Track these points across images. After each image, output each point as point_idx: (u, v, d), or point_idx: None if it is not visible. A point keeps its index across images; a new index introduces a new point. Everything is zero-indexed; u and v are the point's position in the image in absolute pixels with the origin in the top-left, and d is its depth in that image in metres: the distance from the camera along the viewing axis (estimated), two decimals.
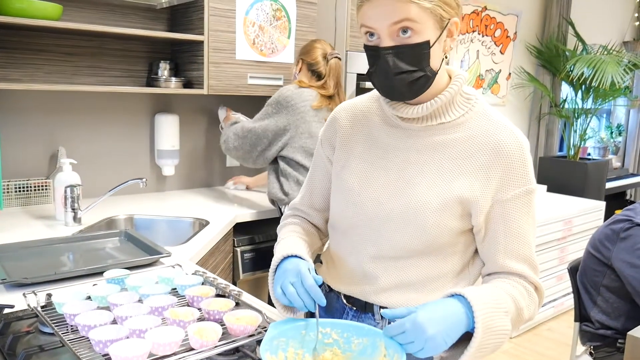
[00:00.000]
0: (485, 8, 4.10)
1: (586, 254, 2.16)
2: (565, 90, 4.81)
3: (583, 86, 4.49)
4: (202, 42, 2.33)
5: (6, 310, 1.15)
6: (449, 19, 0.97)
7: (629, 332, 1.60)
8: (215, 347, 0.95)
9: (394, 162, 1.08)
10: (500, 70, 4.38)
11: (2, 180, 2.10)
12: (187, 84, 2.45)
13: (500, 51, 4.33)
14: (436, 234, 1.03)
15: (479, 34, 4.11)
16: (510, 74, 4.46)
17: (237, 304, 1.14)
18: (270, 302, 1.24)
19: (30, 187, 2.24)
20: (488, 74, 4.28)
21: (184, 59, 2.49)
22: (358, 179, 1.11)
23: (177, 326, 1.00)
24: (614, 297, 2.05)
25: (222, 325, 1.01)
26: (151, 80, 2.45)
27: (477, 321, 0.90)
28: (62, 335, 0.96)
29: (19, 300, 1.23)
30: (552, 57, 4.55)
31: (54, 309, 1.10)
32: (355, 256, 1.12)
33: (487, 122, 1.05)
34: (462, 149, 1.03)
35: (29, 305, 1.10)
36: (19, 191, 2.22)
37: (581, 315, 2.18)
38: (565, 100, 4.74)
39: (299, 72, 2.32)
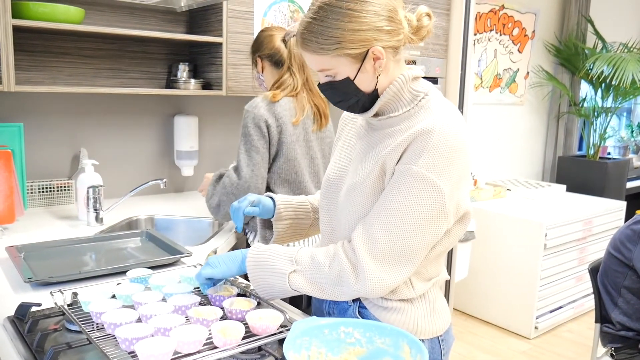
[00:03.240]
0: (503, 7, 4.08)
1: (607, 255, 2.14)
2: (585, 88, 4.76)
3: (603, 85, 4.44)
4: (220, 44, 2.35)
5: (34, 309, 1.17)
6: (366, 51, 1.05)
7: None
8: (239, 345, 0.96)
9: (362, 151, 1.17)
10: (519, 69, 4.35)
11: (26, 181, 2.14)
12: (206, 86, 2.48)
13: (518, 50, 4.30)
14: (363, 197, 1.10)
15: (496, 32, 4.08)
16: (528, 72, 4.43)
17: (259, 304, 1.16)
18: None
19: (53, 187, 2.28)
20: (506, 73, 4.26)
21: (203, 61, 2.51)
22: (332, 168, 1.25)
23: (200, 325, 1.01)
24: (635, 298, 2.03)
25: (244, 324, 1.02)
26: (170, 81, 2.48)
27: (248, 256, 1.12)
28: (89, 333, 0.98)
29: (45, 299, 1.26)
30: (571, 55, 4.50)
31: (80, 307, 1.12)
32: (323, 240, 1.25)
33: (425, 113, 1.09)
34: (398, 134, 1.09)
35: (56, 303, 1.12)
36: (43, 192, 2.25)
37: (602, 316, 2.15)
38: (584, 99, 4.69)
39: (262, 72, 2.05)
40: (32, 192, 2.23)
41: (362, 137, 1.19)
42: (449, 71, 2.93)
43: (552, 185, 4.08)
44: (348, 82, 1.09)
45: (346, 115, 1.31)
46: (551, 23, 4.54)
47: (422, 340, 1.12)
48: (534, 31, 4.37)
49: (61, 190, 2.30)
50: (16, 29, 1.91)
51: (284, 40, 1.98)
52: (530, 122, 4.61)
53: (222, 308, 1.10)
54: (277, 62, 2.00)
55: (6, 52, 1.84)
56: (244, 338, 0.98)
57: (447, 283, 3.09)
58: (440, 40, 2.88)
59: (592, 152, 4.60)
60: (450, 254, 3.06)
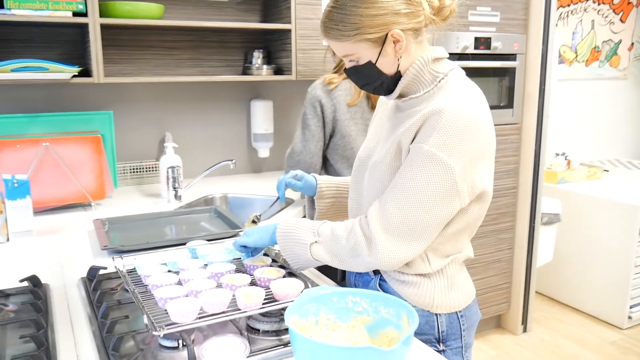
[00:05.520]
0: None
1: None
2: None
3: None
4: (289, 30, 2.45)
5: (101, 272, 1.35)
6: (386, 34, 1.08)
7: None
8: (258, 308, 1.06)
9: (388, 131, 1.20)
10: (621, 40, 4.01)
11: (116, 163, 2.40)
12: (278, 71, 2.59)
13: (621, 19, 3.97)
14: (382, 173, 1.14)
15: (593, 2, 3.80)
16: (633, 44, 4.08)
17: (289, 274, 1.24)
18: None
19: (142, 168, 2.53)
20: (605, 45, 3.95)
21: (275, 47, 2.63)
22: (362, 148, 1.31)
23: (229, 289, 1.12)
24: None
25: (268, 291, 1.12)
26: (246, 68, 2.62)
27: (277, 228, 1.21)
28: (136, 292, 1.13)
29: (113, 264, 1.44)
30: None
31: (136, 272, 1.28)
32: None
33: (444, 94, 1.09)
34: (417, 115, 1.10)
35: (116, 266, 1.29)
36: (133, 172, 2.51)
37: None
38: None
39: (334, 54, 2.16)
40: (124, 173, 2.48)
41: (390, 118, 1.23)
42: (529, 47, 2.80)
43: None
44: (370, 66, 1.13)
45: (380, 101, 1.35)
46: None
47: (439, 315, 1.15)
48: None
49: (149, 170, 2.54)
50: (104, 27, 2.14)
51: None
52: (636, 97, 4.25)
53: (253, 276, 1.20)
54: None
55: (95, 48, 2.07)
56: (265, 303, 1.08)
57: (528, 267, 2.99)
58: (519, 15, 2.76)
59: None
60: (531, 237, 2.95)
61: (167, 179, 2.19)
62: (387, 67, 1.13)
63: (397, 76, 1.14)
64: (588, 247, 3.26)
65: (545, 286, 3.52)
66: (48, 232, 1.81)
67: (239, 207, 2.37)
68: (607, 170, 3.69)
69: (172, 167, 2.18)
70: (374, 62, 1.12)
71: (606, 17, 3.90)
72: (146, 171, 2.54)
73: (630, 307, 3.10)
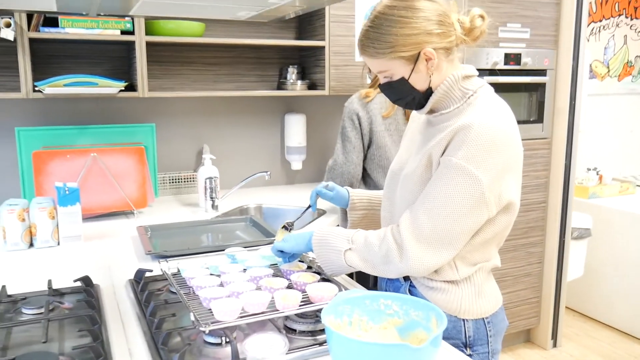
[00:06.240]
0: None
1: None
2: None
3: None
4: (323, 47, 2.54)
5: (147, 274, 1.45)
6: (419, 53, 1.16)
7: None
8: (295, 309, 1.13)
9: (419, 144, 1.27)
10: None
11: (157, 173, 2.51)
12: (312, 86, 2.69)
13: None
14: (414, 184, 1.21)
15: (626, 17, 3.80)
16: None
17: (324, 279, 1.32)
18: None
19: (181, 179, 2.64)
20: (639, 60, 3.94)
21: (309, 63, 2.72)
22: (395, 160, 1.38)
23: (268, 292, 1.20)
24: None
25: (304, 294, 1.19)
26: (280, 83, 2.72)
27: (313, 231, 1.30)
28: (181, 292, 1.21)
29: (157, 268, 1.54)
30: None
31: (180, 275, 1.37)
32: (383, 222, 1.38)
33: (472, 110, 1.16)
34: (447, 131, 1.16)
35: (161, 269, 1.38)
36: (172, 182, 2.62)
37: None
38: None
39: (370, 71, 2.31)
40: (163, 183, 2.60)
41: (421, 132, 1.30)
42: (559, 62, 2.84)
43: None
44: (403, 82, 1.20)
45: (413, 115, 1.42)
46: None
47: (466, 320, 1.20)
48: None
49: (187, 181, 2.66)
50: (149, 44, 2.26)
51: None
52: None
53: (290, 280, 1.28)
54: None
55: (141, 64, 2.20)
56: (301, 305, 1.15)
57: (558, 282, 2.99)
58: (549, 31, 2.80)
59: None
60: (561, 251, 2.96)
61: (205, 189, 2.29)
62: (419, 83, 1.20)
63: (429, 92, 1.21)
64: (619, 263, 3.23)
65: (576, 301, 3.50)
66: (95, 237, 1.93)
67: (273, 217, 2.46)
68: None
69: (210, 178, 2.28)
70: (406, 78, 1.19)
71: (639, 32, 3.89)
72: (184, 181, 2.65)
73: None
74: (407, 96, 1.23)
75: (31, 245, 1.82)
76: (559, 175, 2.89)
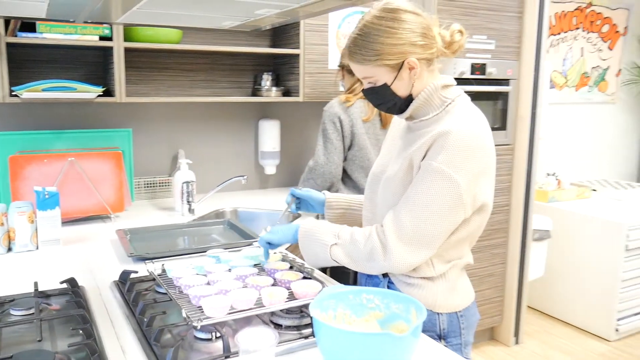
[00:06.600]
0: (590, 4, 4.00)
1: None
2: None
3: None
4: (298, 55, 2.61)
5: (132, 275, 1.48)
6: (403, 62, 1.24)
7: None
8: (281, 305, 1.19)
9: (400, 149, 1.35)
10: (609, 66, 4.22)
11: (134, 178, 2.53)
12: (286, 93, 2.76)
13: (609, 47, 4.18)
14: (395, 188, 1.28)
15: (583, 30, 4.01)
16: (620, 70, 4.28)
17: (305, 277, 1.38)
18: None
19: (156, 183, 2.67)
20: (594, 71, 4.16)
21: (284, 70, 2.79)
22: (376, 164, 1.45)
23: (254, 289, 1.26)
24: None
25: (289, 291, 1.25)
26: (255, 90, 2.78)
27: (300, 227, 1.36)
28: (170, 291, 1.26)
29: (141, 269, 1.57)
30: None
31: (166, 275, 1.41)
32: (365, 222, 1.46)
33: (450, 118, 1.25)
34: (427, 137, 1.25)
35: (148, 270, 1.42)
36: (148, 187, 2.65)
37: None
38: None
39: (342, 79, 2.44)
40: (139, 187, 2.62)
41: (402, 137, 1.38)
42: (522, 73, 2.98)
43: None
44: (386, 88, 1.28)
45: (394, 120, 1.50)
46: None
47: (440, 314, 1.29)
48: (626, 27, 4.23)
49: (163, 185, 2.68)
50: (126, 50, 2.29)
51: None
52: (624, 121, 4.45)
53: (274, 278, 1.34)
54: (350, 71, 2.34)
55: (119, 70, 2.22)
56: (287, 301, 1.22)
57: (520, 281, 3.13)
58: (512, 43, 2.94)
59: None
60: (523, 253, 3.10)
61: (182, 193, 2.33)
62: (400, 90, 1.28)
63: (410, 99, 1.30)
64: (577, 263, 3.41)
65: (537, 300, 3.66)
66: (73, 241, 1.94)
67: (248, 221, 2.51)
68: (596, 190, 3.85)
69: (187, 182, 2.32)
70: (389, 84, 1.27)
71: (595, 44, 4.11)
72: (159, 186, 2.68)
73: (618, 320, 3.24)
74: (388, 101, 1.31)
75: (9, 249, 1.83)
76: (521, 179, 3.03)
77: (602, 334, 3.29)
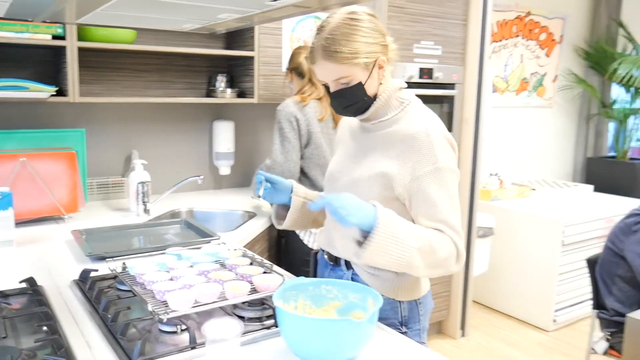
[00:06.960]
0: (529, 13, 4.23)
1: (605, 247, 2.31)
2: (617, 90, 4.82)
3: (632, 87, 4.50)
4: (252, 57, 2.66)
5: (92, 274, 1.50)
6: (375, 60, 1.32)
7: (629, 314, 1.77)
8: (244, 297, 1.25)
9: (357, 150, 1.42)
10: (546, 73, 4.47)
11: (87, 178, 2.51)
12: (241, 94, 2.80)
13: (546, 54, 4.43)
14: (368, 198, 1.26)
15: (522, 38, 4.24)
16: (556, 76, 4.55)
17: (265, 272, 1.44)
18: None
19: (109, 184, 2.65)
20: (533, 77, 4.39)
21: (239, 72, 2.83)
22: (333, 163, 1.51)
23: (217, 283, 1.30)
24: (627, 286, 2.19)
25: (251, 284, 1.31)
26: (210, 91, 2.81)
27: (378, 215, 1.19)
28: (134, 287, 1.29)
29: (100, 268, 1.58)
30: (600, 58, 4.58)
31: (128, 272, 1.43)
32: (326, 221, 1.51)
33: (410, 118, 1.35)
34: (391, 139, 1.34)
35: (110, 268, 1.44)
36: (101, 187, 2.63)
37: (598, 304, 2.32)
38: (615, 101, 4.75)
39: (291, 81, 2.49)
40: (92, 188, 2.60)
41: (356, 138, 1.45)
42: (466, 78, 3.14)
43: (579, 186, 4.19)
44: (360, 87, 1.33)
45: (343, 122, 1.57)
46: (580, 27, 4.64)
47: (402, 302, 1.38)
48: (562, 35, 4.49)
49: (116, 186, 2.67)
50: (80, 50, 2.28)
51: (307, 57, 2.31)
52: (560, 124, 4.72)
53: (236, 273, 1.39)
54: (299, 74, 2.42)
55: (72, 69, 2.21)
56: (249, 293, 1.27)
57: (466, 277, 3.28)
58: (458, 49, 3.09)
59: (622, 153, 4.66)
60: (468, 249, 3.25)
61: (137, 193, 2.33)
62: (370, 89, 1.34)
63: (371, 100, 1.36)
64: (518, 258, 3.60)
65: (482, 294, 3.84)
66: (26, 242, 1.92)
67: (204, 221, 2.53)
68: (535, 189, 4.08)
69: (142, 183, 2.32)
70: (363, 83, 1.32)
71: (533, 52, 4.34)
72: (112, 187, 2.66)
73: (555, 312, 3.45)
74: (359, 101, 1.34)
75: None
76: (466, 179, 3.18)
77: (541, 324, 3.49)
